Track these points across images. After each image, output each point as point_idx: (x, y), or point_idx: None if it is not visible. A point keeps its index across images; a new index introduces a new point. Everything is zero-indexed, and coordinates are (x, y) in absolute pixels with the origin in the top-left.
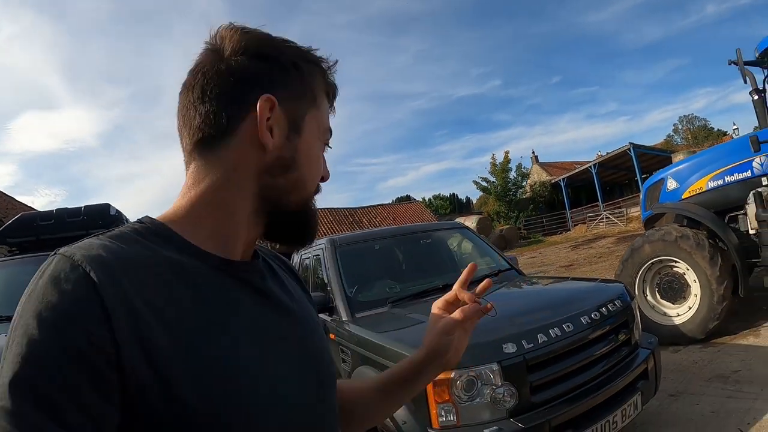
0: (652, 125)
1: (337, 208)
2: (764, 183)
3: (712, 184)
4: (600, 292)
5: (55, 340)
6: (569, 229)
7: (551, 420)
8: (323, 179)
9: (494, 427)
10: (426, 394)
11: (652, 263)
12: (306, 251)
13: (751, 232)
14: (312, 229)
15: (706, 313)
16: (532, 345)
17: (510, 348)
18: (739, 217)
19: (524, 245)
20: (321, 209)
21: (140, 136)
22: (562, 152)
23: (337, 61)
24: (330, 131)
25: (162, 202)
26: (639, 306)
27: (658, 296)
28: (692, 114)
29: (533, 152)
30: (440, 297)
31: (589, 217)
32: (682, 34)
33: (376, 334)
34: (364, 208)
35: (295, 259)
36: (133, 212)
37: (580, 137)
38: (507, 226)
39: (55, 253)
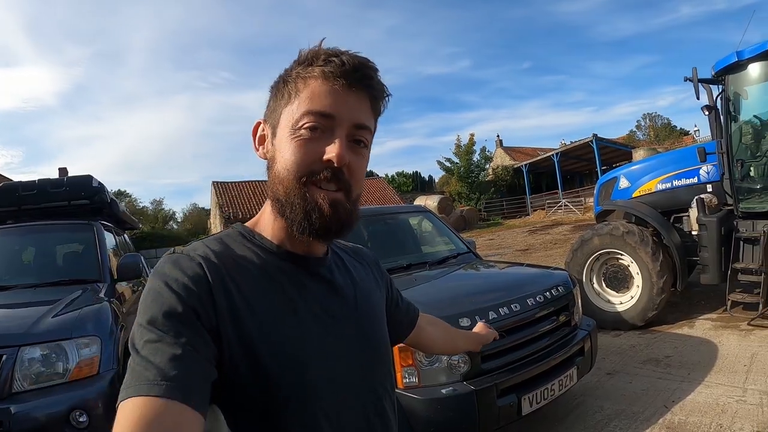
0: (616, 118)
1: None
2: (708, 190)
3: (661, 186)
4: (546, 278)
5: (180, 300)
6: (528, 214)
7: (498, 384)
8: (328, 162)
9: (450, 388)
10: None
11: (600, 254)
12: None
13: (693, 233)
14: (316, 218)
15: (646, 303)
16: (483, 320)
17: (465, 322)
18: (684, 218)
19: (483, 227)
20: None
21: (102, 97)
22: (527, 137)
23: (323, 39)
24: (310, 114)
25: (122, 166)
26: (585, 292)
27: (604, 285)
28: (656, 112)
29: (498, 136)
30: (404, 274)
31: (548, 203)
32: (655, 32)
33: None
34: None
35: None
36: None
37: (545, 124)
38: (468, 207)
39: (172, 252)
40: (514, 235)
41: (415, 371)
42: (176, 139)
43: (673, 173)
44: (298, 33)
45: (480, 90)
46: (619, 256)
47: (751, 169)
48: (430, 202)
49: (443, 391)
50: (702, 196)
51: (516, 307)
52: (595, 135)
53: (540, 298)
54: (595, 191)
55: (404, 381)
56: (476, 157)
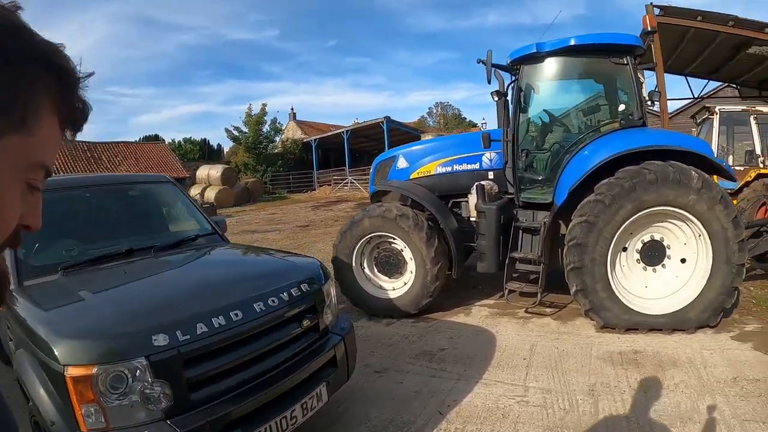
0: (412, 104)
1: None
2: (490, 177)
3: (441, 170)
4: (288, 272)
5: None
6: (314, 189)
7: (214, 421)
8: (27, 228)
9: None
10: (68, 392)
11: (372, 237)
12: None
13: (471, 219)
14: None
15: (420, 291)
16: (188, 336)
17: (161, 340)
18: (462, 203)
19: (269, 200)
20: None
21: None
22: (324, 114)
23: (91, 74)
24: (46, 170)
25: None
26: (355, 277)
27: (376, 270)
28: (448, 102)
29: (292, 109)
30: (118, 264)
31: (335, 179)
32: (460, 32)
33: (31, 311)
34: (105, 143)
35: None
36: None
37: (343, 102)
38: (253, 179)
39: None
40: (297, 210)
41: (100, 409)
42: None
43: (455, 157)
44: None
45: (283, 62)
46: (392, 240)
47: (535, 160)
48: (213, 172)
49: None
50: (483, 182)
51: (237, 315)
52: (386, 117)
53: (274, 300)
54: (371, 170)
55: (87, 422)
56: (266, 128)
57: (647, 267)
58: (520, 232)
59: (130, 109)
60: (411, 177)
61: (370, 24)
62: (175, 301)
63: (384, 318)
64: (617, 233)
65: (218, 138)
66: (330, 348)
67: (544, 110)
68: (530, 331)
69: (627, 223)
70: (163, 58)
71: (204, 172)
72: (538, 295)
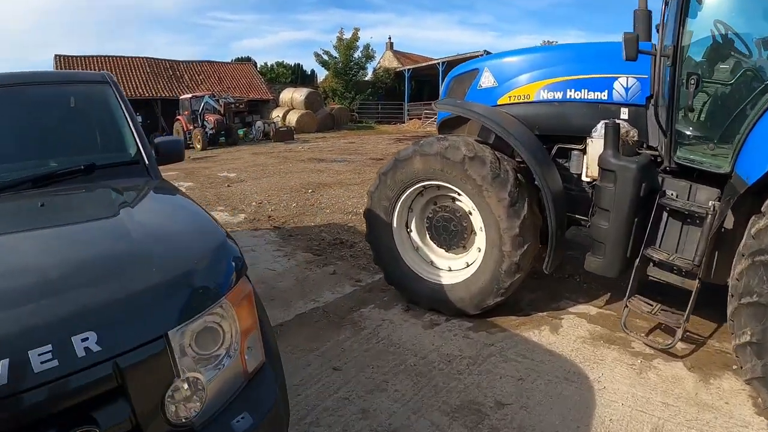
0: (518, 47)
1: (156, 59)
2: (623, 116)
3: (545, 95)
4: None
5: None
6: (403, 122)
7: None
8: None
9: None
10: None
11: (425, 187)
12: None
13: (586, 179)
14: None
15: (488, 283)
16: None
17: None
18: (573, 153)
19: (353, 128)
20: (137, 58)
21: None
22: (425, 48)
23: None
24: None
25: None
26: (396, 246)
27: (428, 236)
28: (556, 41)
29: (389, 38)
30: None
31: (425, 113)
32: None
33: None
34: (187, 62)
35: None
36: None
37: (446, 38)
38: (339, 106)
39: None
40: (378, 141)
41: None
42: (53, 8)
43: (571, 78)
44: None
45: None
46: (456, 194)
47: (707, 97)
48: (297, 95)
49: None
50: (618, 121)
51: None
52: (485, 51)
53: None
54: (442, 88)
55: None
56: (358, 54)
57: None
58: (666, 214)
59: (232, 33)
60: (498, 102)
61: None
62: None
63: (427, 311)
64: None
65: (314, 64)
66: None
67: (718, 22)
68: (652, 389)
69: None
70: None
71: (288, 95)
72: (679, 331)
